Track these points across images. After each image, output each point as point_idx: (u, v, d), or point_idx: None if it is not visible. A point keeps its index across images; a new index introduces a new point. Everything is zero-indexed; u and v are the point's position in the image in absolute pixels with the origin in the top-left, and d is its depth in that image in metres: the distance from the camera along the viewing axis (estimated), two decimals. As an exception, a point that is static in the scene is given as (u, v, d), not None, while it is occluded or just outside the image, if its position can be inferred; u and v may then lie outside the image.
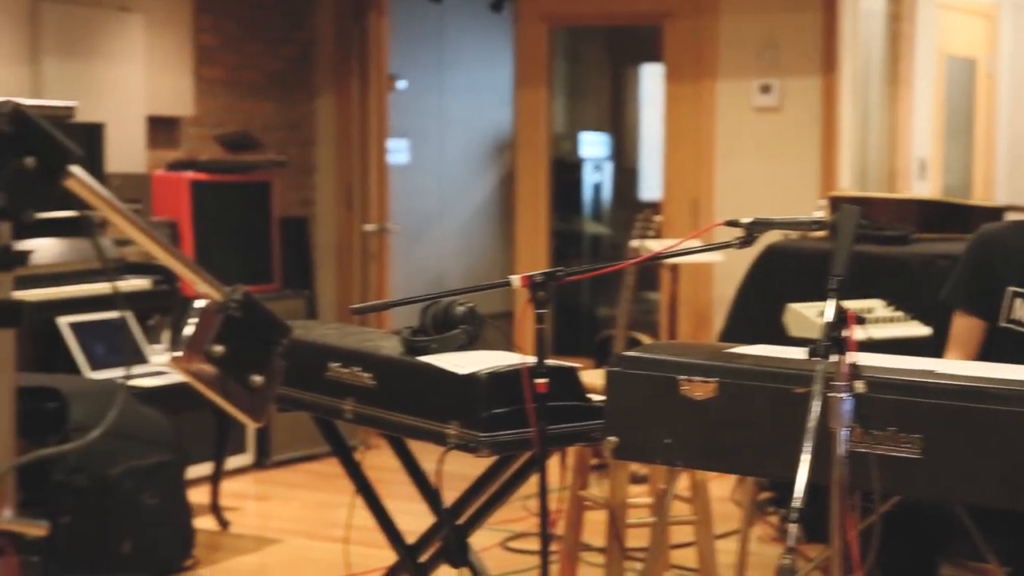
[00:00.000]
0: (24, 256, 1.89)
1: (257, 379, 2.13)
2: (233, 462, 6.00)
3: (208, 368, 2.08)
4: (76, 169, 1.87)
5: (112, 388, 4.82)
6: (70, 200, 1.90)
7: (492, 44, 9.38)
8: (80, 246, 5.24)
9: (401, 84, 8.48)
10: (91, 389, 4.73)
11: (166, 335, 5.83)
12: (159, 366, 5.27)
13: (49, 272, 5.03)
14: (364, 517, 3.61)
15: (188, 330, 2.10)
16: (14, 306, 1.87)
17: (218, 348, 2.07)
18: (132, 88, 6.45)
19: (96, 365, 5.22)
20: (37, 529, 1.75)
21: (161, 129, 6.79)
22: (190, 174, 6.48)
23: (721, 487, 5.26)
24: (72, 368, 5.17)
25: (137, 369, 5.23)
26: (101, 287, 5.16)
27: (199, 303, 2.13)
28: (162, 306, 5.60)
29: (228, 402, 2.13)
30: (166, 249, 2.02)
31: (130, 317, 5.40)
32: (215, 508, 5.34)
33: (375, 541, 3.76)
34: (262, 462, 6.31)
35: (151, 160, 6.64)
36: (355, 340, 3.47)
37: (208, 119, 7.11)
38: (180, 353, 2.09)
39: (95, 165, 5.58)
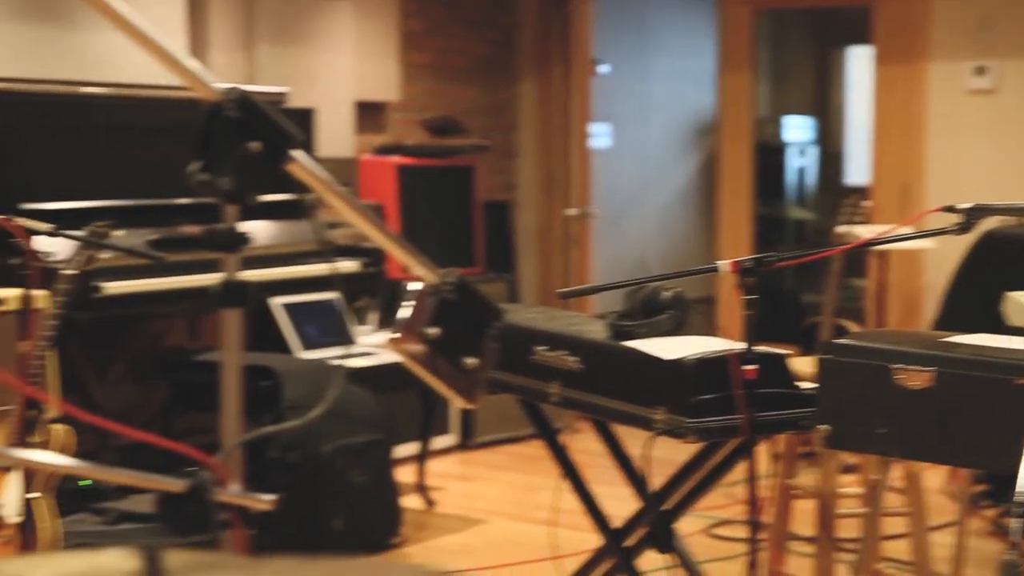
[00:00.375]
0: (247, 238, 1.94)
1: (471, 361, 2.15)
2: (438, 442, 6.08)
3: (423, 349, 2.11)
4: (298, 153, 1.91)
5: (323, 368, 4.94)
6: (284, 183, 1.95)
7: (695, 28, 9.30)
8: (290, 228, 5.37)
9: (603, 68, 8.46)
10: (303, 369, 4.86)
11: (373, 316, 5.94)
12: (367, 347, 5.38)
13: (262, 254, 5.16)
14: (569, 500, 3.62)
15: (403, 312, 2.13)
16: (240, 286, 1.92)
17: (433, 330, 2.10)
18: (341, 74, 6.58)
19: (308, 345, 5.34)
20: (264, 503, 1.80)
21: (368, 114, 6.92)
22: (396, 158, 6.58)
23: (934, 478, 5.12)
24: (284, 348, 5.30)
25: (347, 350, 5.34)
26: (312, 268, 5.29)
27: (414, 285, 2.16)
28: (370, 288, 5.71)
29: (442, 383, 2.16)
30: (384, 232, 2.05)
31: (340, 298, 5.53)
32: (421, 487, 5.42)
33: (580, 524, 3.77)
34: (466, 443, 6.39)
35: (359, 144, 6.77)
36: (561, 324, 3.48)
37: (414, 104, 7.21)
38: (396, 334, 2.13)
39: (306, 150, 5.71)
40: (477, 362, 2.16)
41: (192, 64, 1.78)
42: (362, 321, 5.80)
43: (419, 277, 2.13)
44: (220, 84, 1.82)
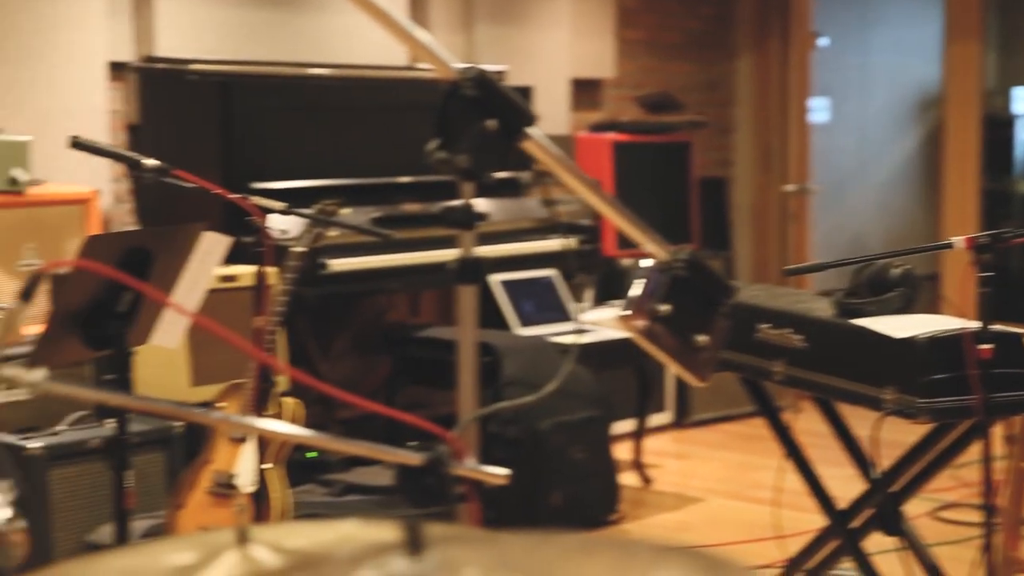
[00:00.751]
0: (484, 215, 1.96)
1: (701, 338, 2.14)
2: (653, 420, 6.07)
3: (654, 327, 2.11)
4: (533, 131, 1.93)
5: (541, 345, 4.97)
6: (504, 162, 1.96)
7: (919, -3, 9.05)
8: (507, 205, 5.41)
9: (823, 41, 8.29)
10: (522, 345, 4.90)
11: (589, 293, 5.95)
12: (584, 323, 5.40)
13: (481, 231, 5.22)
14: (791, 480, 3.58)
15: (635, 289, 2.13)
16: (476, 263, 1.95)
17: (664, 307, 2.09)
18: (557, 52, 6.60)
19: (525, 322, 5.39)
20: (498, 478, 1.82)
21: (584, 91, 6.92)
22: (612, 135, 6.58)
23: None
24: (502, 324, 5.36)
25: (564, 327, 5.37)
26: (530, 245, 5.33)
27: (645, 262, 2.16)
28: (586, 265, 5.73)
29: (673, 361, 2.15)
30: (616, 209, 2.05)
31: (556, 275, 5.56)
32: (637, 465, 5.42)
33: (802, 505, 3.72)
34: (681, 421, 6.36)
35: (574, 122, 6.79)
36: (785, 302, 3.44)
37: (629, 80, 7.19)
38: (627, 311, 2.13)
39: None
40: (708, 339, 2.15)
41: (433, 44, 1.81)
42: (578, 298, 5.82)
43: (650, 254, 2.13)
44: (458, 63, 1.85)
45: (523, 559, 1.08)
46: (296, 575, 1.09)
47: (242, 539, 1.32)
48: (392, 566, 1.03)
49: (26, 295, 1.53)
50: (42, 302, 3.57)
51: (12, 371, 1.53)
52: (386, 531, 1.34)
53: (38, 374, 1.54)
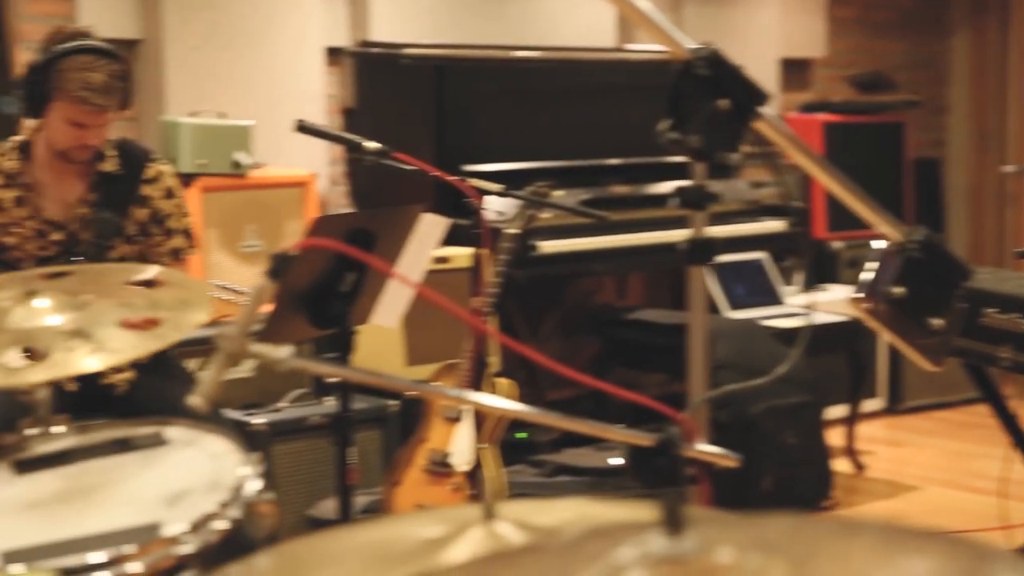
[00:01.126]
0: (717, 196, 1.95)
1: (936, 321, 2.09)
2: (865, 406, 5.94)
3: (887, 310, 2.07)
4: (766, 110, 1.90)
5: (752, 328, 4.92)
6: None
7: None
8: (717, 187, 5.36)
9: (1044, 16, 7.99)
10: (733, 328, 4.85)
11: (799, 276, 5.86)
12: (795, 307, 5.32)
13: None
14: (1016, 470, 3.47)
15: (867, 271, 2.09)
16: (707, 243, 1.94)
17: (898, 289, 2.05)
18: (767, 31, 6.51)
19: (735, 305, 5.33)
20: (728, 460, 1.81)
21: (793, 71, 6.81)
22: (823, 116, 6.46)
23: None
24: (711, 307, 5.31)
25: (775, 310, 5.30)
26: (740, 228, 5.27)
27: (878, 244, 2.12)
28: (796, 248, 5.64)
29: (906, 344, 2.11)
30: (850, 190, 2.01)
31: (766, 258, 5.49)
32: (850, 451, 5.32)
33: (1029, 496, 3.61)
34: (893, 407, 6.21)
35: (784, 103, 6.68)
36: (1014, 286, 3.34)
37: (839, 60, 7.05)
38: (859, 294, 2.09)
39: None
40: (943, 323, 2.10)
41: (666, 23, 1.80)
42: (788, 281, 5.74)
43: (883, 235, 2.08)
44: (691, 43, 1.83)
45: (781, 540, 1.06)
46: (553, 553, 1.10)
47: (488, 515, 1.34)
48: (651, 544, 1.03)
49: (274, 273, 1.57)
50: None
51: (260, 347, 1.58)
52: (622, 510, 1.34)
53: (284, 351, 1.58)
